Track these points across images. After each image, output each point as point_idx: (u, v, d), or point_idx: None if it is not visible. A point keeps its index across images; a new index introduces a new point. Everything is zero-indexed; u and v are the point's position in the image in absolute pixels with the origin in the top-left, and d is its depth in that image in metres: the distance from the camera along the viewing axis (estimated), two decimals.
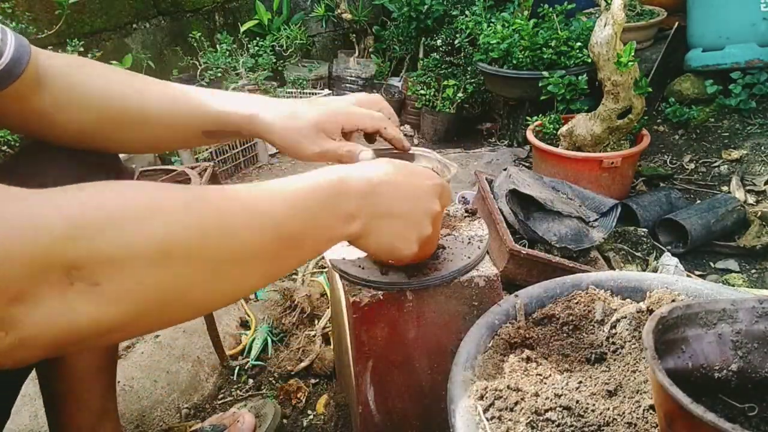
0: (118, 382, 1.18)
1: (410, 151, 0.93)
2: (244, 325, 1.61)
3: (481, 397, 0.68)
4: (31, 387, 1.22)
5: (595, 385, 0.69)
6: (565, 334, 0.79)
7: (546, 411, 0.65)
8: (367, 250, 0.74)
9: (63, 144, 0.79)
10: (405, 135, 3.59)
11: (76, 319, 0.43)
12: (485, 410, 0.66)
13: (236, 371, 1.45)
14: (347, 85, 3.60)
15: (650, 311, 0.77)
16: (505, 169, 1.88)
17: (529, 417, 0.64)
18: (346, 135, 0.82)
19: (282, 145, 0.77)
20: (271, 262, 0.57)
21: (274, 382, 1.43)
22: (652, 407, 0.64)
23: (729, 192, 2.23)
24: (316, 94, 3.24)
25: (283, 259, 0.58)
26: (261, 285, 0.60)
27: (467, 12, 3.14)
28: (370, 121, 0.80)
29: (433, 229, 0.73)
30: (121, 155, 0.90)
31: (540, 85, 2.47)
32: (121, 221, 0.45)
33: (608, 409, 0.65)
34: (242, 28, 3.40)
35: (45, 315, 0.41)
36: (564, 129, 2.24)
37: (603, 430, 0.63)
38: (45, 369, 0.90)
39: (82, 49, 2.33)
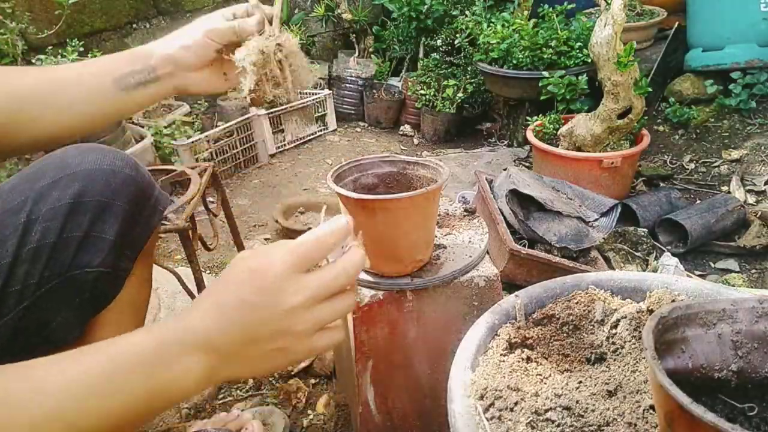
0: None
1: (407, 160, 0.94)
2: None
3: (481, 397, 0.68)
4: None
5: (595, 385, 0.69)
6: (565, 334, 0.79)
7: (546, 411, 0.65)
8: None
9: None
10: (405, 135, 3.52)
11: None
12: (485, 410, 0.66)
13: None
14: (347, 84, 3.59)
15: (650, 311, 0.77)
16: (505, 169, 1.88)
17: (529, 417, 0.64)
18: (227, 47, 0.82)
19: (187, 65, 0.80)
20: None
21: (274, 382, 1.43)
22: (652, 407, 0.64)
23: (729, 192, 2.22)
24: (316, 93, 3.24)
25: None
26: None
27: (467, 12, 3.14)
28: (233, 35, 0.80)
29: (322, 315, 0.57)
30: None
31: (540, 85, 2.47)
32: None
33: (608, 409, 0.65)
34: None
35: None
36: (564, 129, 2.24)
37: (603, 430, 0.63)
38: None
39: (82, 49, 2.33)
